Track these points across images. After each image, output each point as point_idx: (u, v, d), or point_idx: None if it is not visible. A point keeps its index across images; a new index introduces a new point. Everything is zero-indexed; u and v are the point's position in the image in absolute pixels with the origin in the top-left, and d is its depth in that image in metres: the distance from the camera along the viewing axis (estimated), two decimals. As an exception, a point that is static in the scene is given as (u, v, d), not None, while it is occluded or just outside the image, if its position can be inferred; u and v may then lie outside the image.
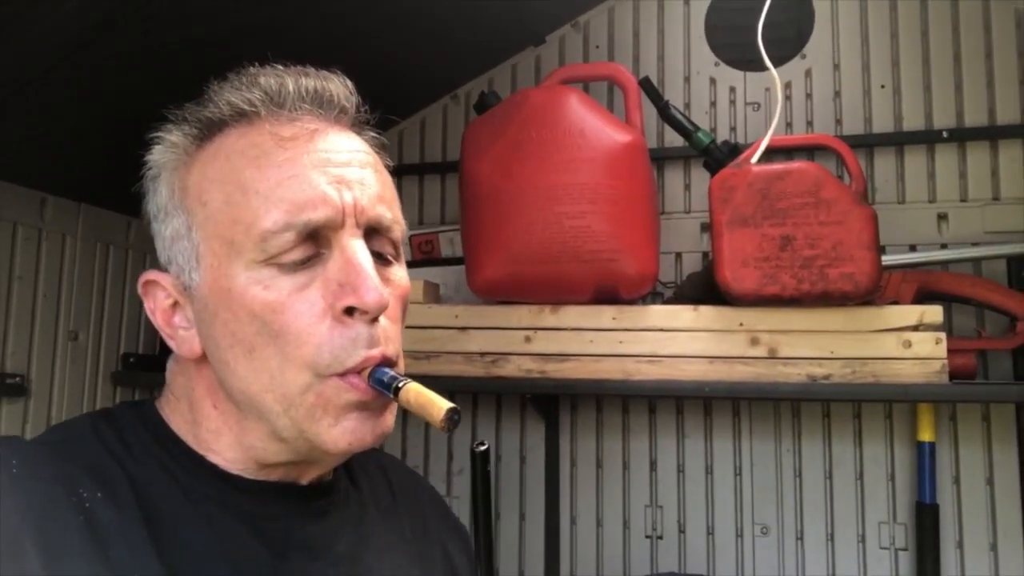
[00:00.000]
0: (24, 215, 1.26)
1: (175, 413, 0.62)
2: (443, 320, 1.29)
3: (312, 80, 0.60)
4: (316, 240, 0.56)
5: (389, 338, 0.58)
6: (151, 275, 0.61)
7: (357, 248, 0.56)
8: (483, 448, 0.56)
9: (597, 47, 1.63)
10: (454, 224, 1.53)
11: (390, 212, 0.60)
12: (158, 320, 0.61)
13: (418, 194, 1.69)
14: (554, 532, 1.52)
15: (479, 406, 1.60)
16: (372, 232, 0.59)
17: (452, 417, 0.52)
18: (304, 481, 0.63)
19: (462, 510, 1.56)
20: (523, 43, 1.65)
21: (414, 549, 0.73)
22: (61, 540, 0.49)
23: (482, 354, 1.27)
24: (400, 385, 0.55)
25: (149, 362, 1.50)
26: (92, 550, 0.50)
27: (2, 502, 0.49)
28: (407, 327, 0.64)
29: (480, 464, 0.55)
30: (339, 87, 0.61)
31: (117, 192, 1.36)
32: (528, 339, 1.25)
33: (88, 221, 1.39)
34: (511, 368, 1.25)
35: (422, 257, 1.56)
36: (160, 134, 0.62)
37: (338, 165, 0.58)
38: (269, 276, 0.55)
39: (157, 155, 0.61)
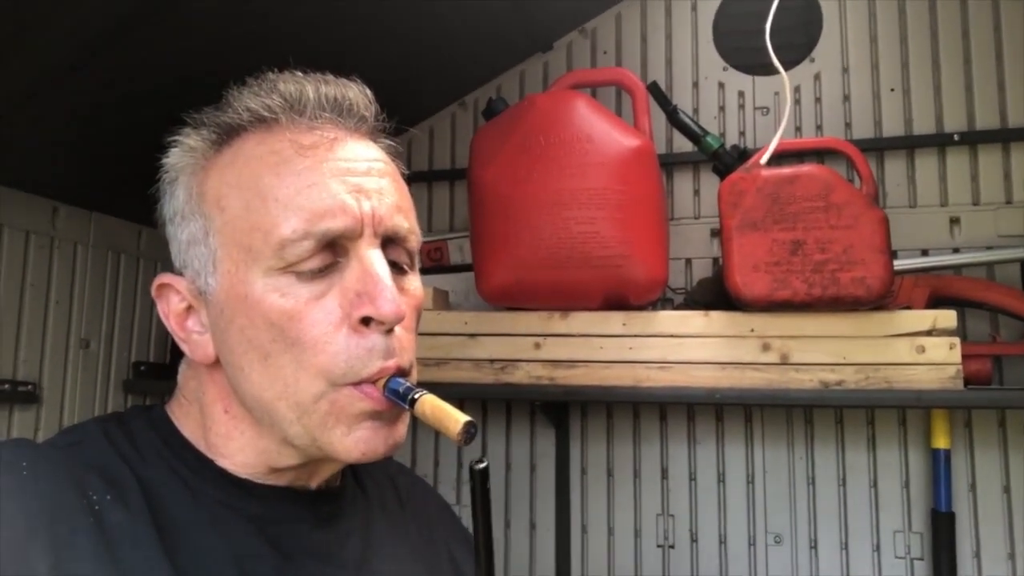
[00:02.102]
0: (36, 224, 1.27)
1: (186, 417, 0.62)
2: (452, 327, 1.28)
3: (332, 88, 0.60)
4: (334, 249, 0.56)
5: (404, 348, 0.58)
6: (165, 278, 0.61)
7: (375, 258, 0.57)
8: (482, 466, 0.55)
9: (605, 53, 1.63)
10: (463, 231, 1.54)
11: (407, 222, 0.60)
12: (171, 324, 0.61)
13: (427, 201, 1.70)
14: (565, 541, 1.51)
15: (489, 413, 1.59)
16: (389, 242, 0.59)
17: (469, 431, 0.51)
18: (314, 485, 0.63)
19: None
20: (531, 50, 1.65)
21: (421, 555, 0.72)
22: (70, 542, 0.49)
23: (491, 361, 1.26)
24: (416, 397, 0.54)
25: (160, 370, 1.51)
26: (101, 552, 0.50)
27: (12, 504, 0.49)
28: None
29: (479, 482, 0.55)
30: (358, 95, 0.61)
31: (128, 200, 1.38)
32: (537, 345, 1.25)
33: (100, 229, 1.39)
34: (520, 375, 1.25)
35: (431, 264, 1.56)
36: (178, 137, 0.62)
37: (357, 174, 0.58)
38: (287, 284, 0.55)
39: (174, 159, 0.62)
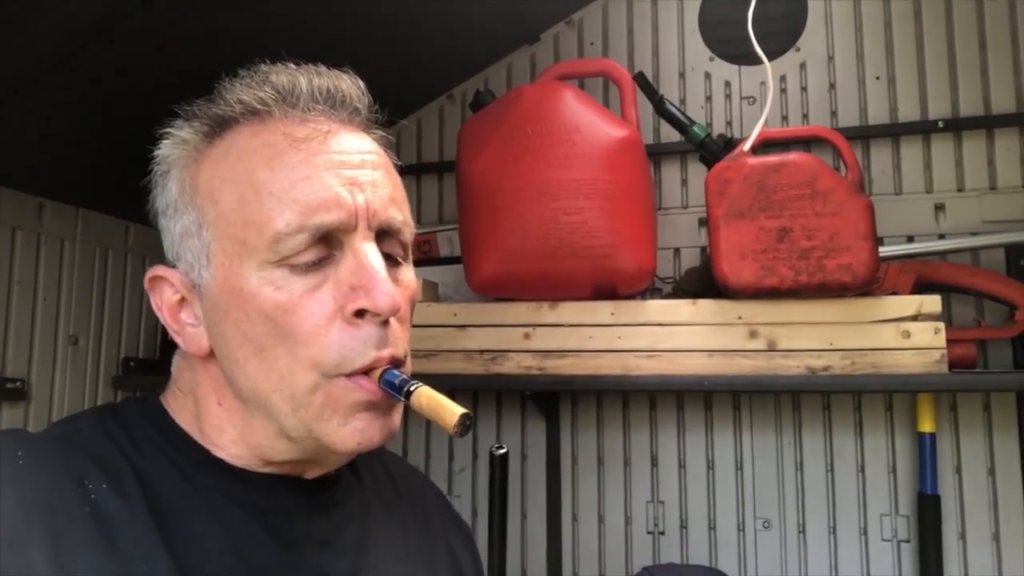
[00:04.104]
0: (23, 220, 1.27)
1: (180, 408, 0.62)
2: (442, 318, 1.29)
3: (325, 80, 0.60)
4: (328, 242, 0.56)
5: (398, 339, 0.58)
6: (158, 271, 0.61)
7: (369, 251, 0.57)
8: (502, 452, 0.55)
9: (592, 44, 1.63)
10: (452, 223, 1.54)
11: (401, 214, 0.60)
12: (165, 316, 0.61)
13: (416, 194, 1.70)
14: (556, 530, 1.52)
15: (480, 404, 1.60)
16: (383, 234, 0.59)
17: (464, 423, 0.52)
18: (309, 476, 0.63)
19: (464, 509, 1.56)
20: (518, 42, 1.65)
21: (418, 543, 0.73)
22: (67, 531, 0.50)
23: (481, 352, 1.27)
24: (411, 388, 0.54)
25: (149, 366, 1.50)
26: (98, 541, 0.50)
27: (8, 494, 0.49)
28: (405, 326, 0.64)
29: (499, 467, 0.55)
30: (351, 87, 0.61)
31: (115, 196, 1.37)
32: (527, 336, 1.25)
33: (87, 226, 1.39)
34: (510, 365, 1.25)
35: (420, 257, 1.56)
36: (170, 130, 0.61)
37: (351, 167, 0.57)
38: (281, 277, 0.55)
39: (166, 151, 0.61)
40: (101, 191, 1.36)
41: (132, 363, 1.48)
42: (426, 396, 0.54)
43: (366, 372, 0.56)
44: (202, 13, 1.07)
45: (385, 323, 0.56)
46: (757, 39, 1.19)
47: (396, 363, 0.57)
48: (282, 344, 0.55)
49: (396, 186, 0.61)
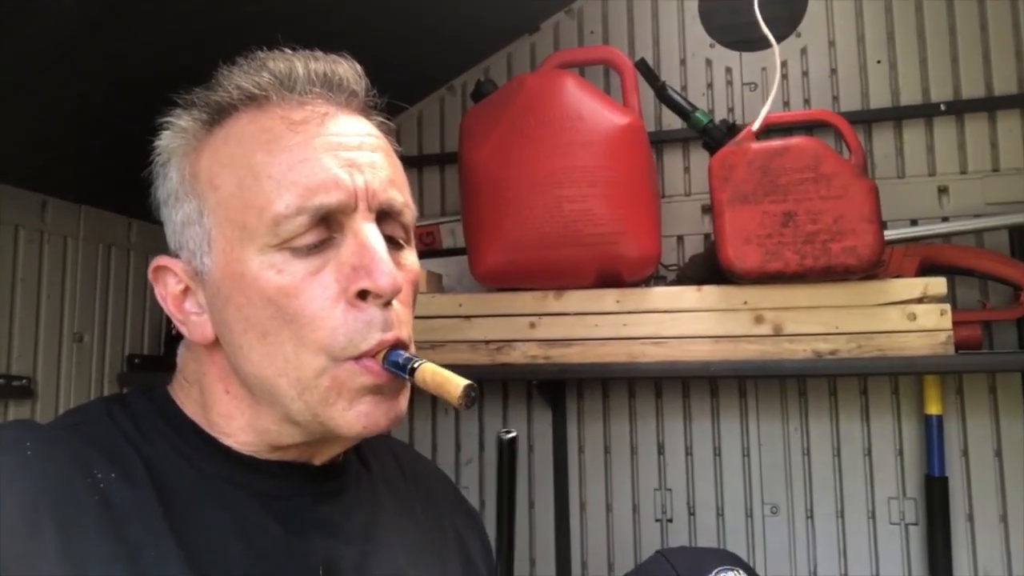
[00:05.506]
0: (25, 218, 1.26)
1: (187, 397, 0.62)
2: (447, 309, 1.29)
3: (321, 64, 0.60)
4: (328, 224, 0.56)
5: (402, 321, 0.58)
6: (162, 261, 0.61)
7: (370, 232, 0.57)
8: (510, 436, 0.55)
9: (592, 32, 1.62)
10: (455, 215, 1.54)
11: (401, 196, 0.60)
12: (169, 306, 0.61)
13: (417, 186, 1.69)
14: (564, 519, 1.52)
15: (485, 394, 1.60)
16: (383, 216, 0.59)
17: (470, 394, 0.51)
18: (317, 462, 0.64)
19: (471, 500, 1.56)
20: (518, 31, 1.65)
21: (427, 531, 0.73)
22: (76, 520, 0.50)
23: (487, 342, 1.27)
24: (415, 366, 0.54)
25: (155, 363, 1.50)
26: (107, 529, 0.50)
27: (16, 484, 0.50)
28: (409, 317, 0.64)
29: (507, 452, 0.55)
30: (348, 71, 0.61)
31: (118, 193, 1.37)
32: (532, 325, 1.25)
33: (89, 223, 1.38)
34: (516, 355, 1.25)
35: (424, 249, 1.56)
36: (169, 119, 0.62)
37: (349, 149, 0.58)
38: (282, 260, 0.55)
39: (166, 140, 0.62)
40: (103, 188, 1.36)
41: (137, 360, 1.48)
42: (430, 372, 0.54)
43: (372, 355, 0.56)
44: (202, 8, 1.06)
45: (388, 305, 0.57)
46: (761, 19, 1.19)
47: (401, 345, 0.57)
48: (286, 328, 0.55)
49: (396, 168, 0.62)
